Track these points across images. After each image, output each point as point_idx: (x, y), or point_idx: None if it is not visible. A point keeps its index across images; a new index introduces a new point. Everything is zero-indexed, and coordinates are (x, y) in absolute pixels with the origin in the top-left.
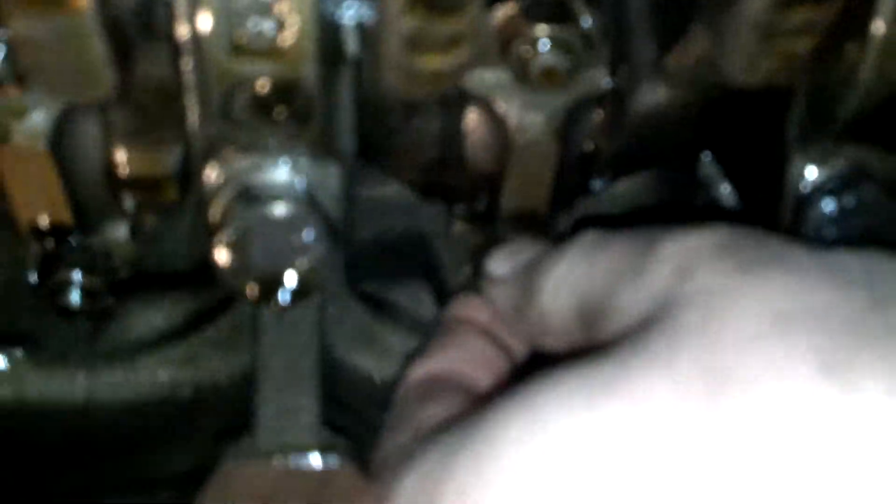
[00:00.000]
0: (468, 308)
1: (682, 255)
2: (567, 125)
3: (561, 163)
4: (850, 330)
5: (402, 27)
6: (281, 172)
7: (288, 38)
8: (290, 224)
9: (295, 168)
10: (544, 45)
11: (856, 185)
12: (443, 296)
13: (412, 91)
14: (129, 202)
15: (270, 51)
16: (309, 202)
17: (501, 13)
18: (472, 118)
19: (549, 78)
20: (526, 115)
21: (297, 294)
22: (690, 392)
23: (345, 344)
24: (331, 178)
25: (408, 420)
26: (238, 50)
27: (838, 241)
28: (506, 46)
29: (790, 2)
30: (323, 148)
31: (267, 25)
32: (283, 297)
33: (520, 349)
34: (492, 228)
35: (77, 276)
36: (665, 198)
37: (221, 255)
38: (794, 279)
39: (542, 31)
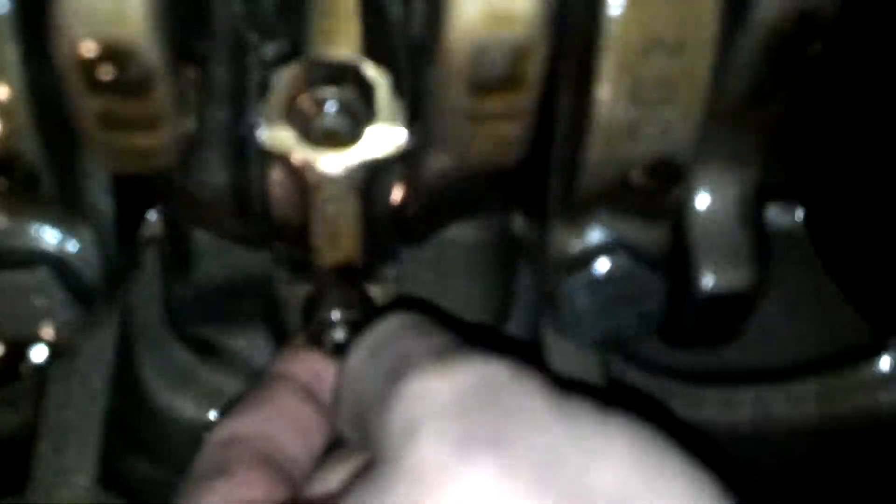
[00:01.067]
0: (294, 363)
1: (417, 405)
2: (367, 181)
3: (368, 217)
4: None
5: (90, 105)
6: (27, 236)
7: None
8: (34, 289)
9: (41, 232)
10: (328, 106)
11: (610, 254)
12: (283, 340)
13: (118, 167)
14: None
15: None
16: (55, 267)
17: (285, 73)
18: (274, 171)
19: (333, 139)
20: (324, 173)
21: (48, 356)
22: None
23: (167, 389)
24: (84, 241)
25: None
26: None
27: (591, 310)
28: (290, 106)
29: (483, 89)
30: (71, 212)
31: None
32: (35, 359)
33: None
34: (315, 279)
35: None
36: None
37: None
38: (504, 471)
39: (324, 93)
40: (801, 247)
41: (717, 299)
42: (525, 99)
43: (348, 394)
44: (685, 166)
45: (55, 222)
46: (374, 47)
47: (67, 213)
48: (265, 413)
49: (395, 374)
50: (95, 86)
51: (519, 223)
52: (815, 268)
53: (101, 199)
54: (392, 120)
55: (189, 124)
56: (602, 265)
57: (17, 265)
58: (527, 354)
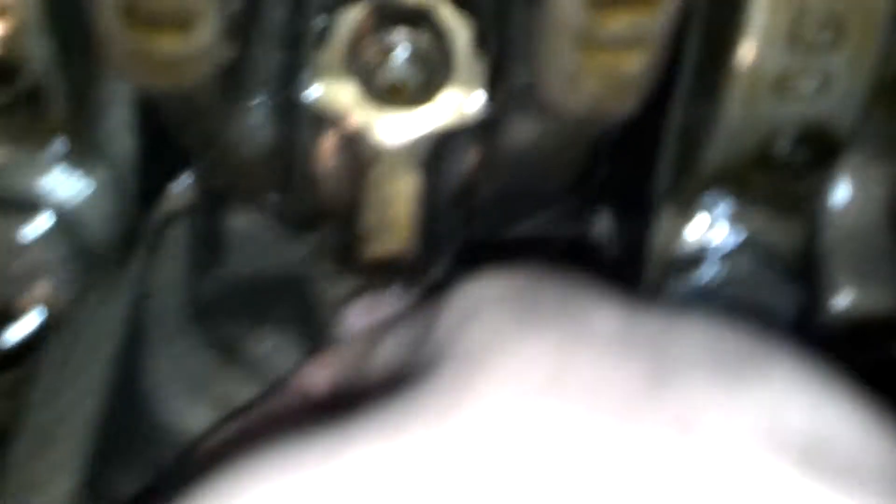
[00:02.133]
0: (320, 372)
1: (469, 299)
2: (434, 155)
3: (428, 200)
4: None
5: None
6: (28, 173)
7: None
8: (33, 240)
9: (45, 170)
10: (398, 54)
11: (732, 253)
12: (315, 346)
13: (141, 77)
14: None
15: None
16: (60, 214)
17: (349, 14)
18: (326, 137)
19: (399, 96)
20: (383, 140)
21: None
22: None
23: (177, 396)
24: (97, 185)
25: None
26: None
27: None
28: (354, 53)
29: (607, 1)
30: (83, 147)
31: None
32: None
33: None
34: (360, 272)
35: None
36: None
37: None
38: (572, 342)
39: (396, 37)
40: None
41: (854, 322)
42: (656, 19)
43: (388, 360)
44: (845, 137)
45: (63, 158)
46: None
47: (79, 147)
48: (273, 427)
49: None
50: None
51: (602, 221)
52: None
53: (121, 135)
54: (471, 79)
55: (228, 46)
56: (721, 266)
57: (14, 208)
58: None
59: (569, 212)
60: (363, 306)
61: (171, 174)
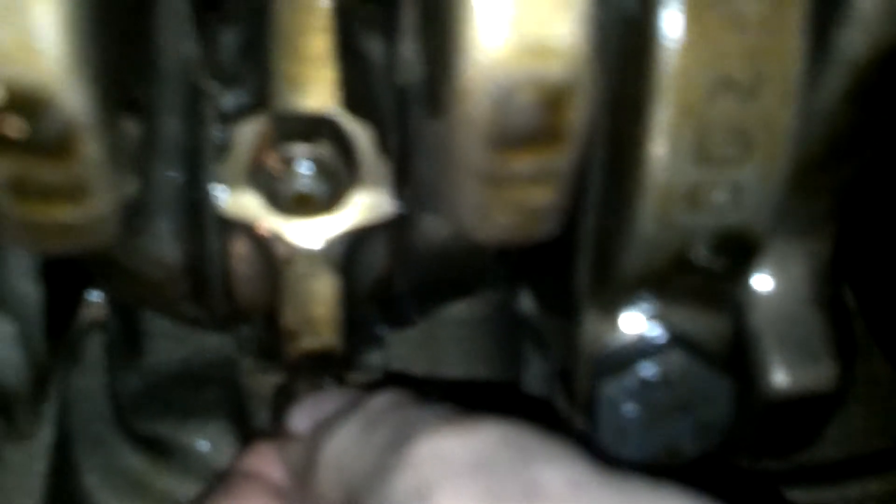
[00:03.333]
0: (261, 461)
1: (430, 466)
2: (347, 255)
3: (349, 297)
4: None
5: None
6: None
7: None
8: None
9: None
10: (299, 166)
11: (661, 352)
12: (249, 438)
13: (39, 248)
14: None
15: None
16: None
17: (249, 127)
18: (237, 243)
19: (306, 205)
20: (296, 245)
21: None
22: None
23: (114, 500)
24: (2, 337)
25: None
26: None
27: (638, 421)
28: (254, 166)
29: (509, 144)
30: None
31: None
32: None
33: None
34: (286, 368)
35: None
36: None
37: None
38: None
39: (295, 150)
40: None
41: (790, 402)
42: (562, 157)
43: (333, 477)
44: (760, 241)
45: None
46: (354, 97)
47: None
48: None
49: (398, 443)
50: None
51: (526, 302)
52: (868, 354)
53: (23, 283)
54: (377, 182)
55: (128, 190)
56: (652, 365)
57: None
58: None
59: (491, 293)
60: (306, 404)
61: (82, 291)
